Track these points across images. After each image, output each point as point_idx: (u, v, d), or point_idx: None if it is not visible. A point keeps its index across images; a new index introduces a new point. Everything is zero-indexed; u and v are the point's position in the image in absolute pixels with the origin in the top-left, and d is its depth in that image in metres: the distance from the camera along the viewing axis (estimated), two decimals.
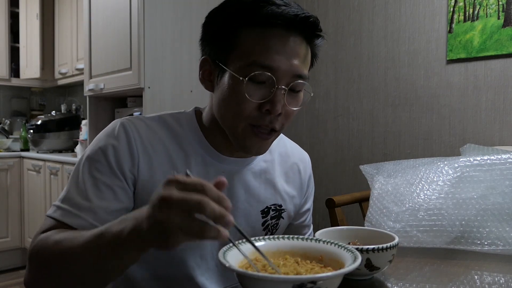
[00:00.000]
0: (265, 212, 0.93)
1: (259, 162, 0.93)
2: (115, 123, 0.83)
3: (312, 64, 0.84)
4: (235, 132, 0.80)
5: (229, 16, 0.78)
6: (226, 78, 0.78)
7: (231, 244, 0.68)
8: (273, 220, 0.94)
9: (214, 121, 0.85)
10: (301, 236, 0.74)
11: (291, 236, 0.74)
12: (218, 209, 0.50)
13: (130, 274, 0.87)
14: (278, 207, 0.95)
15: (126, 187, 0.79)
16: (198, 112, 0.91)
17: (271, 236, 0.74)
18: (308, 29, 0.78)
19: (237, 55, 0.77)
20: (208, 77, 0.83)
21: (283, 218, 0.96)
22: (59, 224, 0.75)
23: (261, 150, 0.83)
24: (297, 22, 0.75)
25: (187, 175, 0.54)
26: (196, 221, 0.50)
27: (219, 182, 0.53)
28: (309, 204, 1.06)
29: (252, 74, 0.74)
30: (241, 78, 0.75)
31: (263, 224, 0.93)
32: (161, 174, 0.82)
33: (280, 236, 0.74)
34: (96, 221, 0.74)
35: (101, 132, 0.84)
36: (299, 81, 0.78)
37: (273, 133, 0.80)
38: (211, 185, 0.52)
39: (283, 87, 0.76)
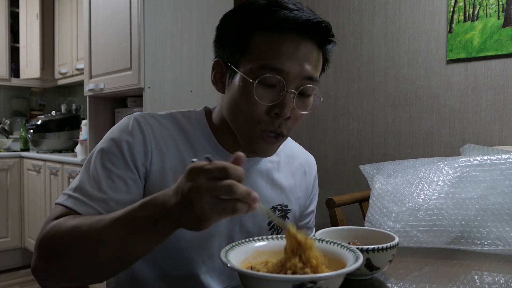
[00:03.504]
0: None
1: (266, 162, 0.93)
2: (129, 118, 0.84)
3: (323, 69, 0.84)
4: (244, 135, 0.81)
5: (242, 19, 0.79)
6: (237, 80, 0.79)
7: (233, 244, 0.68)
8: None
9: (224, 121, 0.86)
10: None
11: None
12: (245, 189, 0.53)
13: (136, 273, 0.87)
14: (284, 207, 0.95)
15: (138, 179, 0.80)
16: (207, 111, 0.92)
17: (275, 236, 0.74)
18: (320, 34, 0.78)
19: (248, 58, 0.77)
20: (220, 79, 0.84)
21: (288, 218, 0.97)
22: (71, 212, 0.74)
23: (269, 153, 0.84)
24: (309, 27, 0.76)
25: (207, 159, 0.55)
26: (228, 202, 0.53)
27: (238, 157, 0.56)
28: (313, 206, 1.08)
29: (262, 76, 0.75)
30: (251, 80, 0.75)
31: (269, 224, 0.94)
32: (172, 170, 0.83)
33: (284, 236, 0.74)
34: (107, 212, 0.73)
35: (114, 127, 0.85)
36: (309, 84, 0.78)
37: (280, 137, 0.81)
38: (232, 165, 0.54)
39: (293, 90, 0.77)
